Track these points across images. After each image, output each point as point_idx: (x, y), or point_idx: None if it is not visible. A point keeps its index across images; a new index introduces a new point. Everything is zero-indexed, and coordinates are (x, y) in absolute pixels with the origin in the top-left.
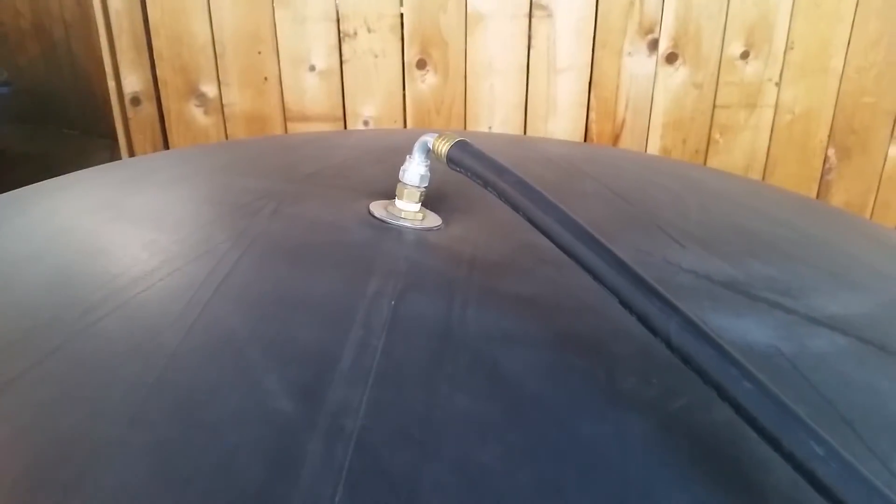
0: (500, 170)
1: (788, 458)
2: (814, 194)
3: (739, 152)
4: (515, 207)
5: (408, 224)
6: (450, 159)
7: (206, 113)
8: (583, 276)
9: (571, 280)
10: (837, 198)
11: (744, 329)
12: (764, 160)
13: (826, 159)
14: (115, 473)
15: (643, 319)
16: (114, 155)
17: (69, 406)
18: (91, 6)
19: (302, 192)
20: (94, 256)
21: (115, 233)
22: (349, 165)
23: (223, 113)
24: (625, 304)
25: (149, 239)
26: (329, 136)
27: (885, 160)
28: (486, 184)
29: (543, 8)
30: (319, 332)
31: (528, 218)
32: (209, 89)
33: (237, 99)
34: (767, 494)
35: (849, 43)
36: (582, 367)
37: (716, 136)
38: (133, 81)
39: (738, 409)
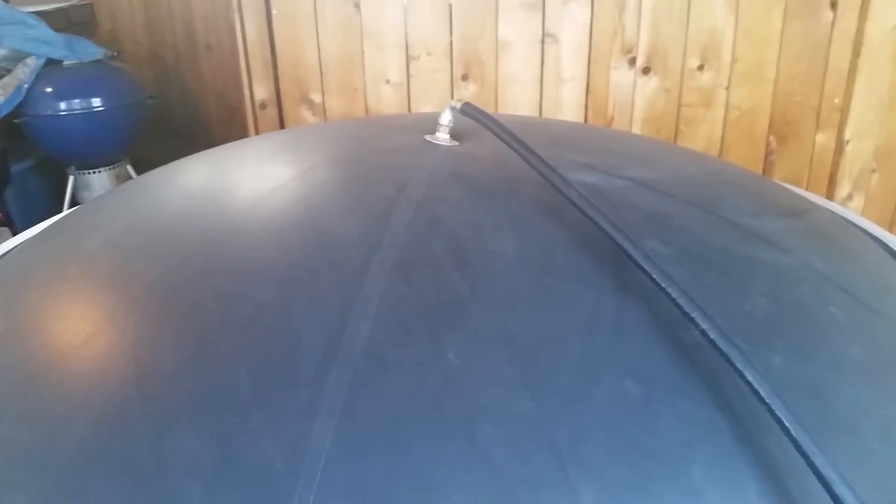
0: (484, 114)
1: (576, 207)
2: (761, 171)
3: (700, 140)
4: (492, 131)
5: (442, 143)
6: (462, 111)
7: (313, 114)
8: (521, 162)
9: (517, 163)
10: (779, 174)
11: (585, 178)
12: (719, 146)
13: (768, 144)
14: (315, 203)
15: (543, 175)
16: None
17: (285, 208)
18: (198, 37)
19: (391, 133)
20: (291, 163)
21: (304, 152)
22: (411, 123)
23: (325, 114)
24: (535, 168)
25: (322, 152)
26: (399, 114)
27: (814, 145)
28: (478, 121)
29: (552, 36)
30: (408, 172)
31: (498, 136)
32: (316, 97)
33: (335, 104)
34: (571, 224)
35: (779, 58)
36: (511, 187)
37: (682, 127)
38: (261, 92)
39: (570, 201)
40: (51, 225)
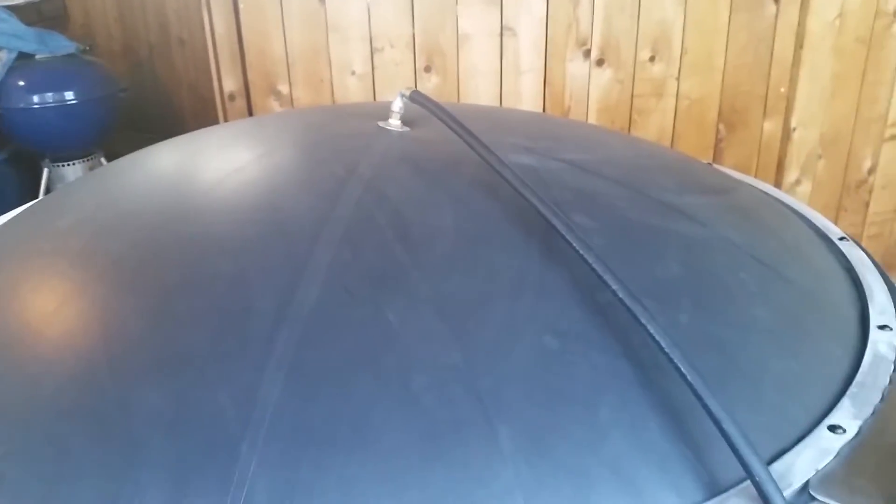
0: (430, 101)
1: (510, 186)
2: (711, 158)
3: (653, 129)
4: (437, 117)
5: (394, 129)
6: (411, 98)
7: (280, 105)
8: (465, 146)
9: (461, 147)
10: (728, 161)
11: (523, 160)
12: (671, 134)
13: (717, 132)
14: (272, 183)
15: (481, 156)
16: None
17: (243, 188)
18: (171, 31)
19: (347, 120)
20: (251, 147)
21: (264, 137)
22: (367, 111)
23: (293, 104)
24: (474, 150)
25: (281, 137)
26: (356, 103)
27: (762, 132)
28: (425, 108)
29: (510, 29)
30: (359, 155)
31: (443, 121)
32: (283, 88)
33: (302, 95)
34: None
35: (726, 48)
36: (454, 168)
37: (635, 117)
38: (230, 83)
39: (505, 179)
40: (26, 209)
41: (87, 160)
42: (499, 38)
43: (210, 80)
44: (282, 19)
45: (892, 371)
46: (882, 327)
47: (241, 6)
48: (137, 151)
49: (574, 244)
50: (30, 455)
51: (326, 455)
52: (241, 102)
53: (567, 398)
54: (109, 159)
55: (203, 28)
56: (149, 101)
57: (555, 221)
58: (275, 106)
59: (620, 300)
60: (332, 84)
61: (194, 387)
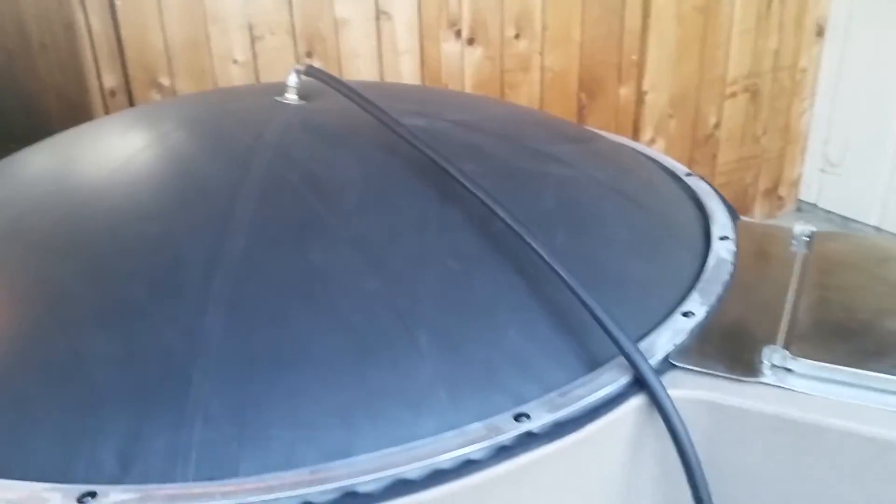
0: (325, 73)
1: (408, 142)
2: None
3: (523, 100)
4: (332, 87)
5: (291, 102)
6: (306, 73)
7: (163, 97)
8: (362, 113)
9: (359, 114)
10: (590, 125)
11: (414, 122)
12: (539, 104)
13: (579, 100)
14: (181, 154)
15: (378, 119)
16: None
17: (155, 162)
18: (32, 36)
19: (244, 97)
20: (151, 128)
21: (163, 119)
22: (262, 89)
23: (175, 96)
24: (371, 114)
25: (180, 117)
26: (248, 84)
27: (618, 97)
28: (320, 80)
29: (386, 13)
30: (262, 126)
31: (338, 91)
32: (165, 81)
33: (184, 86)
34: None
35: (582, 23)
36: (354, 132)
37: (506, 91)
38: (110, 80)
39: (402, 137)
40: None
41: None
42: (375, 22)
43: (77, 82)
44: (160, 12)
45: (730, 270)
46: (723, 238)
47: (117, 2)
48: (33, 145)
49: (467, 185)
50: None
51: (272, 372)
52: (122, 98)
53: (472, 307)
54: None
55: (68, 30)
56: (10, 111)
57: (449, 168)
58: (157, 98)
59: (509, 226)
60: (214, 74)
61: (141, 330)
